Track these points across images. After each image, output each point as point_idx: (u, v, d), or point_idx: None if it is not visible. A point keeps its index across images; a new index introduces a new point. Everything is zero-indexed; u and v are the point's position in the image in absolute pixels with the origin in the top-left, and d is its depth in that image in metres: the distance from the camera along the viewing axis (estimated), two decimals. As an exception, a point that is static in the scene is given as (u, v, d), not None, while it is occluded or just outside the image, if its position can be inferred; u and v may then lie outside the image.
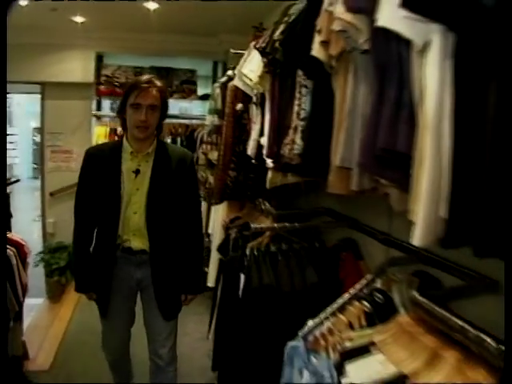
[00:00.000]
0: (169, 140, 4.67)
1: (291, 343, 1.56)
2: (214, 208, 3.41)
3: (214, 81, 4.85)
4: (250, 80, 2.24)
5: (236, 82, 2.51)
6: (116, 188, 2.09)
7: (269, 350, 1.86)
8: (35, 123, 7.92)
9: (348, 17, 1.17)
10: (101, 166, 2.13)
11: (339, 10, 1.20)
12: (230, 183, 2.74)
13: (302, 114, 1.61)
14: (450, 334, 1.06)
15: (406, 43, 0.98)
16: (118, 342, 2.39)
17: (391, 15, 0.97)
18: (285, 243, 2.27)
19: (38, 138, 7.14)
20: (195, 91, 5.13)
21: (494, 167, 0.81)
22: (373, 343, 1.33)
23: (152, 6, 3.64)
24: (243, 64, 2.39)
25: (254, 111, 2.38)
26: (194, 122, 4.98)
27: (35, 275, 3.81)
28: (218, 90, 3.19)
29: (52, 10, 3.82)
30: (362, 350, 1.35)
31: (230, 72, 2.89)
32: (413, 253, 1.53)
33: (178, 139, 4.80)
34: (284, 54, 1.72)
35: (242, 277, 2.10)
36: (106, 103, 5.40)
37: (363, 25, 1.15)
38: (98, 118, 4.99)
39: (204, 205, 3.52)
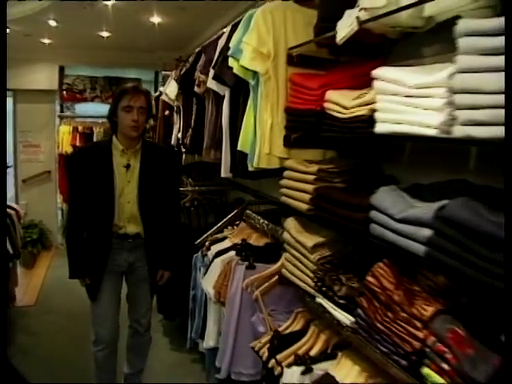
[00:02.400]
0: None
1: (195, 255, 2.90)
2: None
3: (156, 86, 6.10)
4: (171, 97, 3.56)
5: (163, 97, 3.83)
6: (110, 181, 2.27)
7: (183, 258, 3.16)
8: None
9: (202, 76, 2.53)
10: (93, 163, 2.30)
11: (202, 78, 2.55)
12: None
13: (193, 120, 2.97)
14: (259, 227, 2.45)
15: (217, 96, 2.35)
16: (113, 325, 2.44)
17: (211, 82, 2.33)
18: (197, 200, 3.63)
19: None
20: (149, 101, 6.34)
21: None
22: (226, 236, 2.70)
23: (105, 34, 4.85)
24: (167, 86, 3.71)
25: (175, 116, 3.70)
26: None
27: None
28: (153, 102, 4.49)
29: (26, 36, 4.95)
30: (221, 240, 2.72)
31: (161, 89, 4.19)
32: (264, 198, 2.93)
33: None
34: (182, 86, 3.08)
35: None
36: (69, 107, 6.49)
37: (215, 86, 2.46)
38: (61, 118, 6.15)
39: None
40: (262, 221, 2.39)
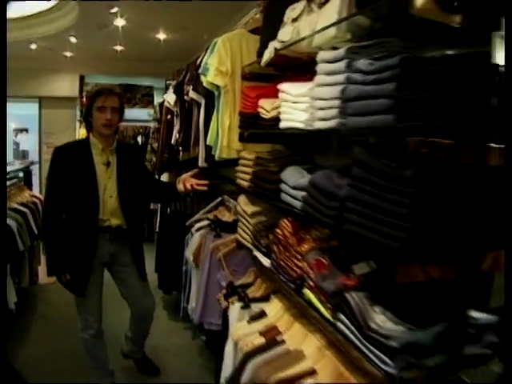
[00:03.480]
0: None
1: (187, 236, 3.48)
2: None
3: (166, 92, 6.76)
4: (171, 104, 4.17)
5: (165, 104, 4.44)
6: (93, 178, 2.40)
7: (178, 240, 3.75)
8: (14, 124, 8.53)
9: (188, 88, 3.12)
10: (75, 161, 2.41)
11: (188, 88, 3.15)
12: (165, 161, 4.67)
13: (184, 123, 3.57)
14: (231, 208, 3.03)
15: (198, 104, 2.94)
16: (98, 313, 2.61)
17: (192, 92, 2.93)
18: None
19: (17, 139, 8.57)
20: (152, 102, 7.05)
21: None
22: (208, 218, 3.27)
23: (119, 48, 5.53)
24: (168, 94, 4.32)
25: (175, 120, 4.30)
26: (151, 124, 6.88)
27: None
28: (157, 108, 5.13)
29: (50, 50, 5.67)
30: (203, 220, 3.29)
31: (164, 96, 4.81)
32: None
33: (139, 137, 6.68)
34: (177, 94, 3.68)
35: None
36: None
37: (195, 95, 3.06)
38: (81, 122, 6.85)
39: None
40: (232, 202, 2.96)
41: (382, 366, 1.18)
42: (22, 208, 3.93)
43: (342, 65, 1.36)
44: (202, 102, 2.86)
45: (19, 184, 4.54)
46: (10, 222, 3.48)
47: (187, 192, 2.57)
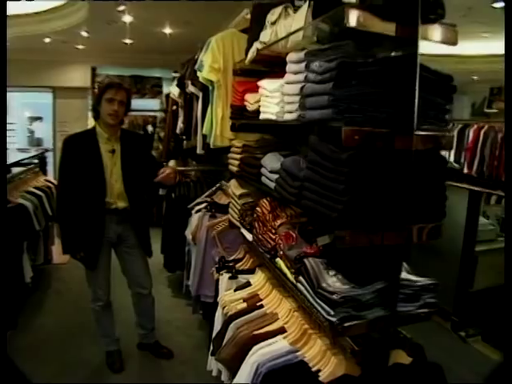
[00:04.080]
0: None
1: (189, 218, 3.76)
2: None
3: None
4: (175, 95, 4.44)
5: (171, 96, 4.70)
6: (99, 164, 2.62)
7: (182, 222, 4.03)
8: (29, 113, 8.85)
9: (188, 82, 3.38)
10: (84, 149, 2.64)
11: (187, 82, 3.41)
12: (171, 149, 4.95)
13: (187, 114, 3.83)
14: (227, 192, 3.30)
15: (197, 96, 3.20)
16: (107, 287, 2.88)
17: (190, 86, 3.18)
18: (196, 177, 4.51)
19: (32, 127, 8.92)
20: (161, 92, 7.32)
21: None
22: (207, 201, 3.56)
23: (128, 41, 5.79)
24: (173, 86, 4.59)
25: (179, 111, 4.57)
26: (159, 114, 7.17)
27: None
28: (164, 98, 5.39)
29: (63, 43, 5.96)
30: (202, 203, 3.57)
31: (170, 88, 5.07)
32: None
33: (149, 126, 6.97)
34: (179, 87, 3.95)
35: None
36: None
37: (194, 89, 3.32)
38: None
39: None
40: (227, 186, 3.23)
41: (327, 317, 1.44)
42: (37, 191, 4.24)
43: (302, 66, 1.61)
44: (200, 95, 3.11)
45: (34, 170, 4.86)
46: (26, 203, 3.81)
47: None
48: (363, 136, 1.33)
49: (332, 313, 1.42)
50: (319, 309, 1.50)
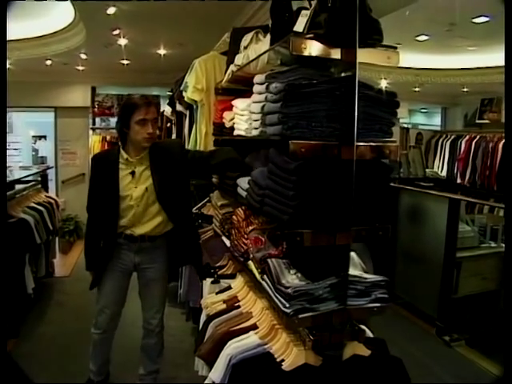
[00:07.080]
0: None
1: None
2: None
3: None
4: (168, 113, 4.67)
5: (165, 113, 4.94)
6: (115, 187, 2.41)
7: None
8: (33, 132, 8.89)
9: (177, 101, 3.61)
10: (103, 169, 2.49)
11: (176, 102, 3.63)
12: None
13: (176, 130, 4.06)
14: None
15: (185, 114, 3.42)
16: (111, 315, 2.64)
17: (178, 105, 3.41)
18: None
19: (36, 145, 8.98)
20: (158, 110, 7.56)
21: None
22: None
23: (125, 62, 6.06)
24: (165, 106, 4.83)
25: (173, 127, 4.80)
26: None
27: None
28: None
29: (64, 64, 6.23)
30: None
31: (165, 108, 5.31)
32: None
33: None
34: (171, 105, 4.18)
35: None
36: (98, 120, 7.80)
37: (181, 108, 3.54)
38: (93, 130, 7.45)
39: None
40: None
41: (283, 309, 1.62)
42: (38, 206, 4.45)
43: (263, 87, 1.81)
44: (187, 113, 3.33)
45: (36, 186, 5.09)
46: (27, 217, 4.01)
47: None
48: (309, 148, 1.53)
49: (287, 305, 1.60)
50: (278, 303, 1.67)
